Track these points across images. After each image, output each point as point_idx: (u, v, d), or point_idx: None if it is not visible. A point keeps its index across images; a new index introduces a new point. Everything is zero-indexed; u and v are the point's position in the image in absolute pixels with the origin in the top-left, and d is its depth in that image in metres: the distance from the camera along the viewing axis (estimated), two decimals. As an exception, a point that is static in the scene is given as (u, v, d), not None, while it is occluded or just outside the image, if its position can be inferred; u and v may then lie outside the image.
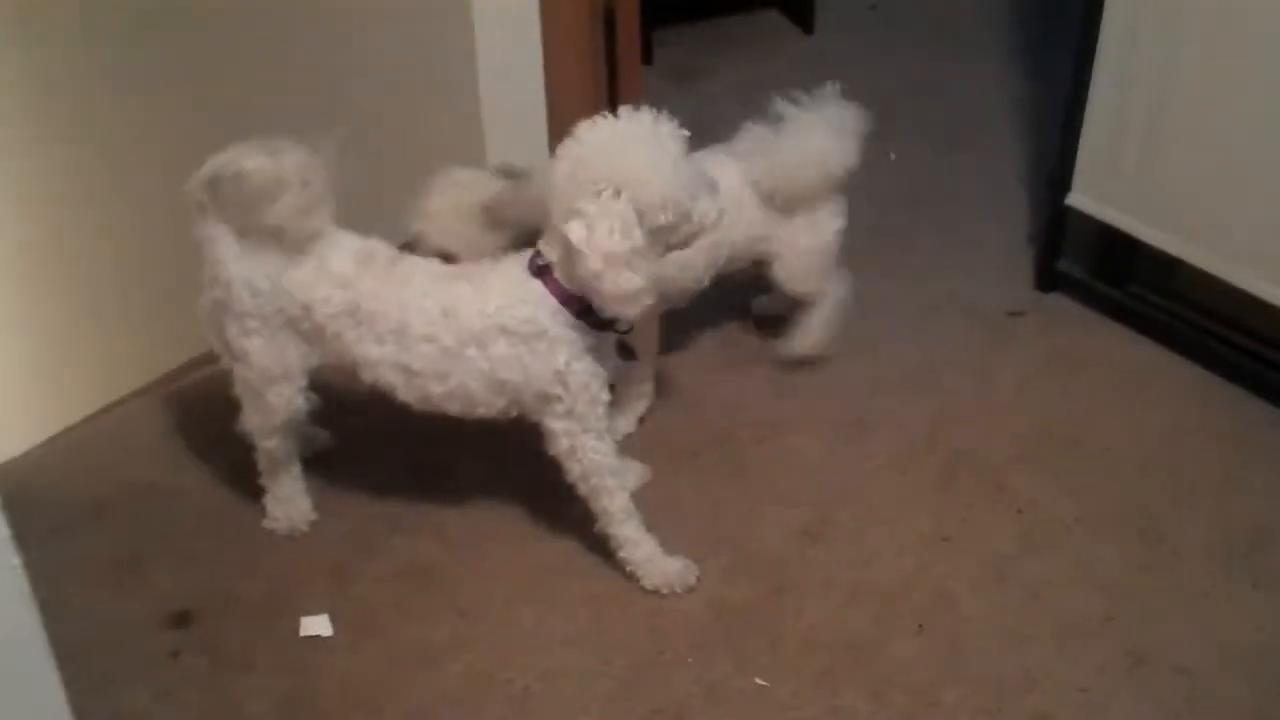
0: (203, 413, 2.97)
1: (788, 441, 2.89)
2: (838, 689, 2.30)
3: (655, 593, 2.49)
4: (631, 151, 2.19)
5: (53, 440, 2.93)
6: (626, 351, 2.67)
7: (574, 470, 2.43)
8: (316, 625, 2.46)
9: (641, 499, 2.52)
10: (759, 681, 2.32)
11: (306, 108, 2.95)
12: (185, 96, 2.82)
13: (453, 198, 2.54)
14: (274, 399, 2.46)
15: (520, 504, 2.71)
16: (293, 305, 2.35)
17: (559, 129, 3.21)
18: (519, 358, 2.30)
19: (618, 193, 2.14)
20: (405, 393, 2.39)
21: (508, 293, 2.28)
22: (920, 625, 2.43)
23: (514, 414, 2.41)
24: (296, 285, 2.34)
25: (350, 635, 2.44)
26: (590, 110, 2.61)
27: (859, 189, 3.64)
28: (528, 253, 2.32)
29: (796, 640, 2.39)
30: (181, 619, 2.49)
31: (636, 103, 2.27)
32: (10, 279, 2.72)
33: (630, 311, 2.23)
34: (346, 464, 2.82)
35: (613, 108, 2.27)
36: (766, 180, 2.86)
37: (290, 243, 2.32)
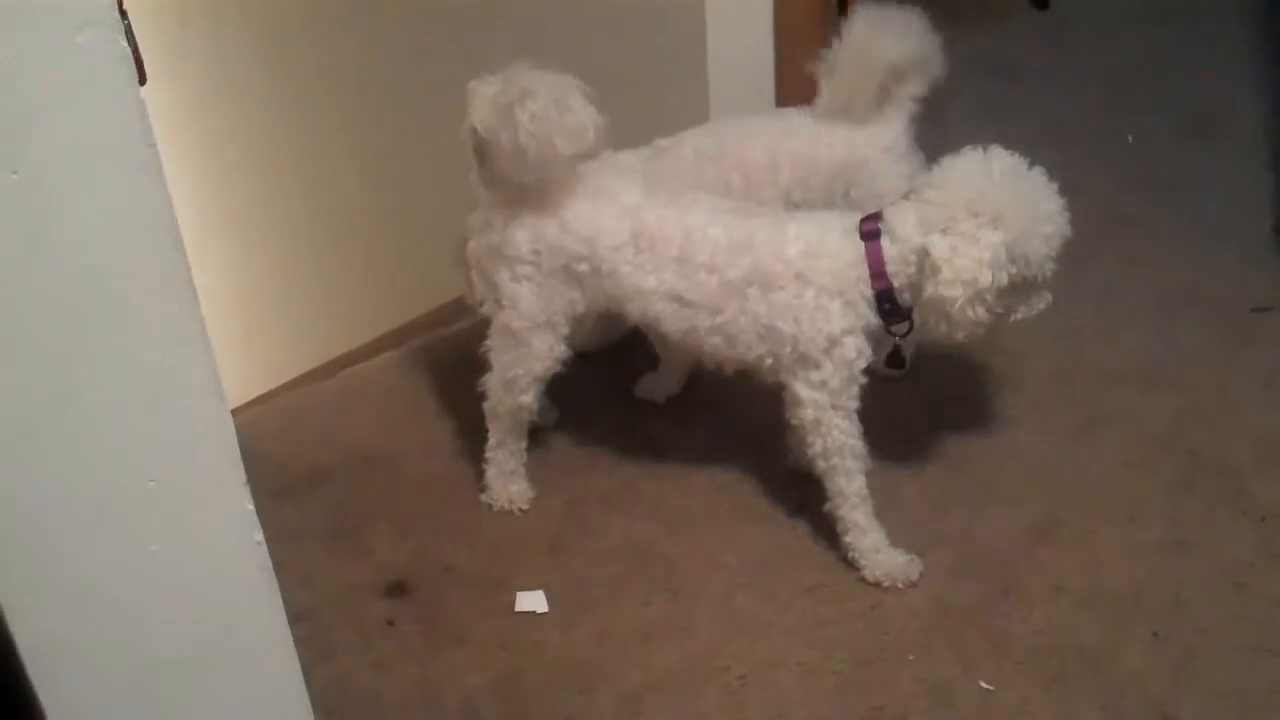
0: (422, 379, 3.00)
1: (1014, 436, 2.78)
2: (1068, 697, 2.20)
3: (876, 586, 2.41)
4: (1027, 194, 2.18)
5: (273, 400, 2.98)
6: (896, 360, 2.59)
7: (816, 445, 2.37)
8: (531, 601, 2.45)
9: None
10: (984, 685, 2.23)
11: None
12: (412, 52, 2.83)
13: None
14: (539, 344, 2.46)
15: (738, 486, 2.67)
16: (577, 243, 2.36)
17: (786, 86, 3.18)
18: (800, 308, 2.27)
19: (995, 225, 2.12)
20: (671, 324, 2.38)
21: (816, 243, 2.26)
22: (1155, 633, 2.30)
23: (767, 366, 2.37)
24: (583, 221, 2.35)
25: (565, 613, 2.43)
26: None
27: (1095, 171, 3.54)
28: (849, 212, 2.31)
29: (1024, 644, 2.30)
30: (398, 588, 2.50)
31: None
32: (231, 232, 2.75)
33: (955, 338, 2.25)
34: (565, 438, 2.81)
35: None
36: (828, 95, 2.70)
37: (564, 166, 2.31)
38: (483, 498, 2.66)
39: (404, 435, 2.86)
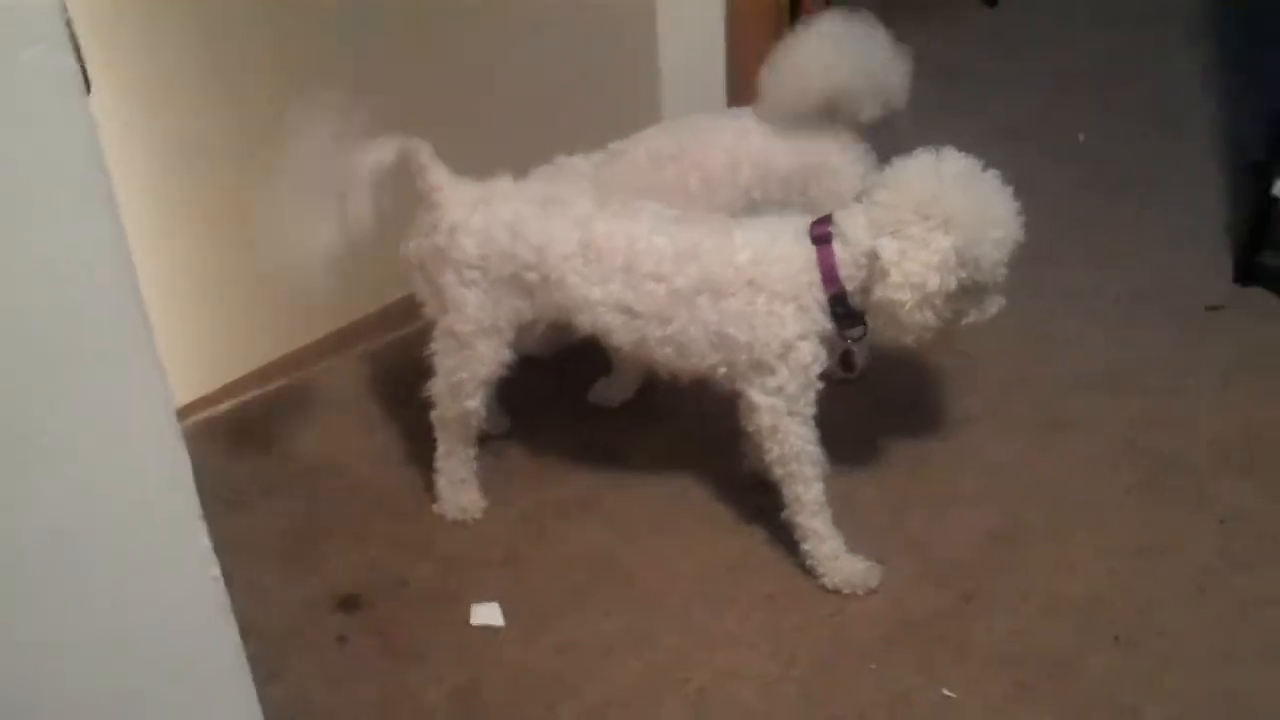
0: (371, 384, 2.94)
1: (973, 439, 2.77)
2: (1032, 704, 2.18)
3: (836, 593, 2.39)
4: (978, 198, 2.16)
5: (220, 404, 2.91)
6: (848, 364, 2.57)
7: (772, 451, 2.34)
8: (487, 614, 2.40)
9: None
10: (947, 693, 2.20)
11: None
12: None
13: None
14: (484, 349, 2.41)
15: (694, 493, 2.63)
16: (527, 251, 2.31)
17: (738, 86, 3.12)
18: (753, 315, 2.23)
19: (946, 229, 2.10)
20: (621, 336, 2.34)
21: (765, 248, 2.23)
22: (1119, 638, 2.29)
23: (721, 374, 2.33)
24: (534, 229, 2.31)
25: (523, 626, 2.38)
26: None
27: (1047, 171, 3.52)
28: (799, 216, 2.27)
29: (987, 651, 2.27)
30: (350, 603, 2.45)
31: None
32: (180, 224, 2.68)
33: (904, 341, 2.23)
34: (517, 446, 2.77)
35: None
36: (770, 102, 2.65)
37: None
38: (435, 508, 2.61)
39: (354, 443, 2.81)
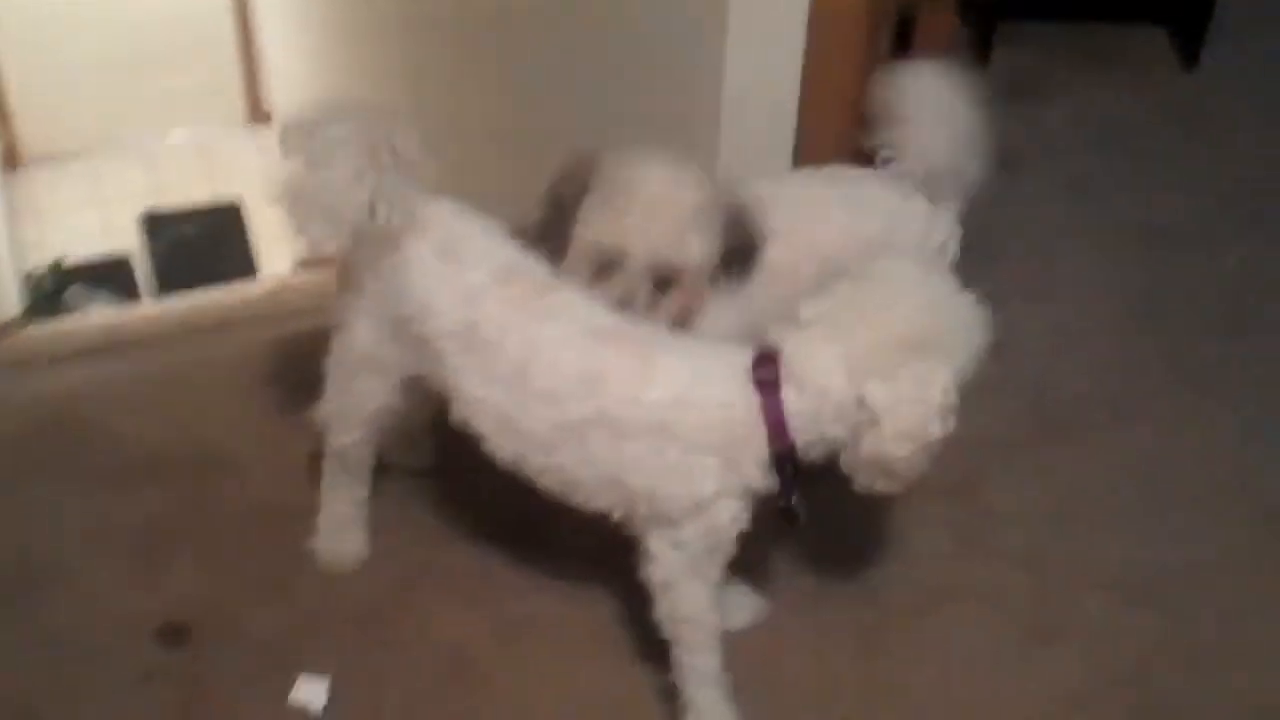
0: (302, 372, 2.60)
1: (955, 615, 2.30)
2: None
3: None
4: (964, 313, 1.79)
5: (146, 372, 2.64)
6: (789, 518, 1.96)
7: (663, 607, 1.94)
8: (310, 692, 2.07)
9: (739, 644, 2.04)
10: None
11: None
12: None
13: None
14: (366, 384, 2.06)
15: (603, 604, 2.23)
16: (409, 303, 1.92)
17: (809, 149, 2.67)
18: (660, 466, 1.82)
19: (944, 361, 1.73)
20: (497, 447, 1.93)
21: (687, 387, 1.80)
22: None
23: (616, 516, 1.92)
24: (420, 283, 1.91)
25: (344, 713, 2.05)
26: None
27: (1175, 297, 2.98)
28: (741, 350, 1.82)
29: None
30: (176, 632, 2.16)
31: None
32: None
33: (892, 491, 1.82)
34: (432, 490, 2.40)
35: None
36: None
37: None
38: (310, 545, 2.27)
39: (259, 441, 2.48)
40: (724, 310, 2.11)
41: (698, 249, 1.97)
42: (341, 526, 2.25)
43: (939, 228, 2.27)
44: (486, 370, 1.87)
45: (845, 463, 1.80)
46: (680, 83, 2.70)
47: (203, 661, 2.11)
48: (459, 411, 1.93)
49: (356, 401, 2.09)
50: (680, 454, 1.80)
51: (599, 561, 2.19)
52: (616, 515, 1.91)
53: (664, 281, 1.98)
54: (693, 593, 1.90)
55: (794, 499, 1.88)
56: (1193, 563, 2.40)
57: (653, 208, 1.95)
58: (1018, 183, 3.30)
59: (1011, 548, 2.42)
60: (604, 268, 1.97)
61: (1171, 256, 3.11)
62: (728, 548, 1.88)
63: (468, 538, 2.32)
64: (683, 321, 2.03)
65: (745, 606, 2.18)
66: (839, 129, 2.65)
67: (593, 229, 1.97)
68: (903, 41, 2.78)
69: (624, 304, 1.95)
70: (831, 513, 2.15)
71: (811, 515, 1.89)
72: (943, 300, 1.78)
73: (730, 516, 1.84)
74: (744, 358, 1.80)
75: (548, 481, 1.92)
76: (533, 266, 1.93)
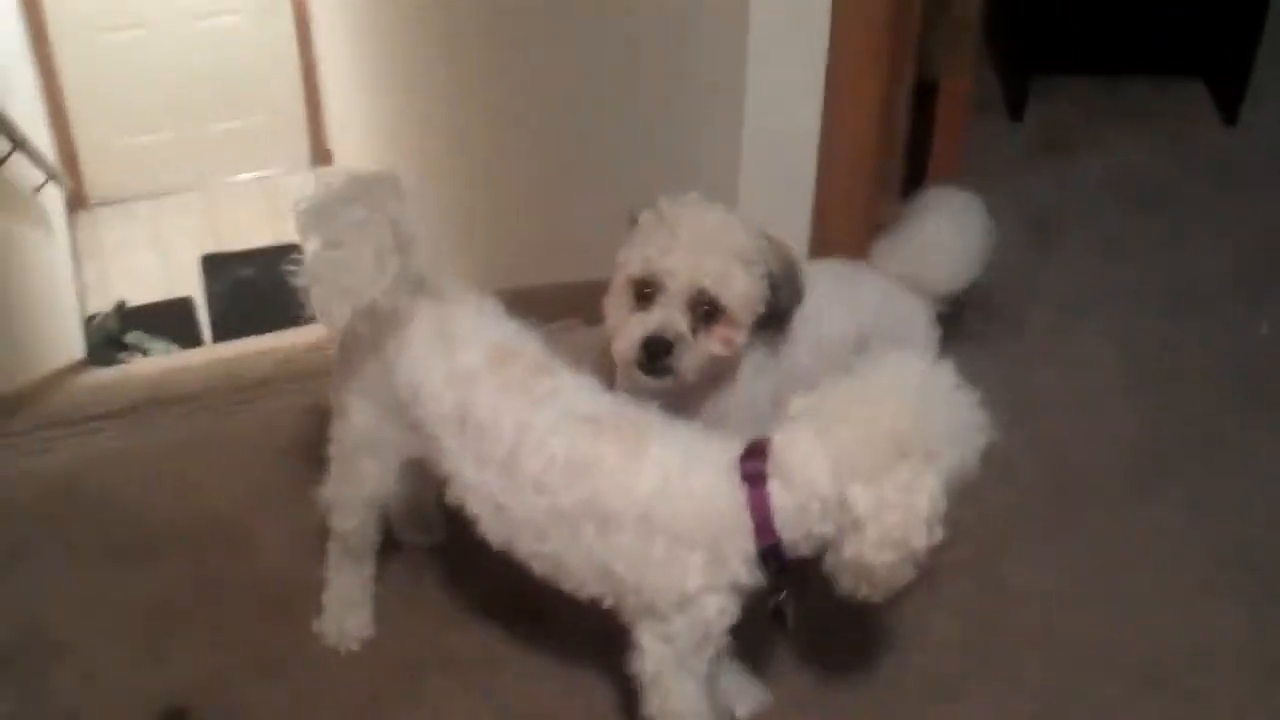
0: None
1: (969, 700, 2.24)
2: None
3: None
4: (958, 413, 1.73)
5: (167, 439, 2.66)
6: (780, 618, 1.94)
7: (652, 703, 1.92)
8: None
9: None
10: None
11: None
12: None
13: None
14: (366, 468, 2.06)
15: (601, 699, 2.18)
16: (404, 390, 1.93)
17: (826, 228, 2.67)
18: (646, 558, 1.80)
19: (930, 464, 1.68)
20: (490, 531, 1.93)
21: (677, 479, 1.78)
22: None
23: (606, 604, 1.90)
24: (412, 367, 1.92)
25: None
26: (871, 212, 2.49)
27: (1204, 367, 2.90)
28: (733, 442, 1.81)
29: None
30: (175, 717, 2.15)
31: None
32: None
33: (873, 599, 1.78)
34: (439, 566, 2.38)
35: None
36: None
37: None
38: (315, 624, 2.27)
39: (272, 512, 2.47)
40: (760, 371, 2.13)
41: (742, 285, 1.96)
42: (346, 606, 2.24)
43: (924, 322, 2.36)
44: (479, 455, 1.87)
45: (828, 565, 1.77)
46: (700, 138, 2.72)
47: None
48: (454, 494, 1.93)
49: (358, 485, 2.09)
50: (666, 547, 1.78)
51: (602, 645, 2.12)
52: (607, 603, 1.89)
53: (706, 315, 1.97)
54: (681, 687, 1.88)
55: (783, 598, 1.87)
56: (1208, 645, 2.34)
57: (699, 240, 1.95)
58: (1049, 243, 3.25)
59: (1027, 626, 2.38)
60: (643, 297, 1.98)
61: (1202, 322, 3.05)
62: (717, 641, 1.86)
63: (474, 617, 2.30)
64: (721, 363, 2.03)
65: (747, 695, 2.14)
66: (857, 190, 2.66)
67: (636, 259, 1.97)
68: (923, 107, 2.75)
69: (661, 333, 1.95)
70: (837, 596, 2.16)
71: (815, 602, 1.85)
72: (938, 400, 1.73)
73: (717, 610, 1.81)
74: (734, 449, 1.78)
75: (540, 567, 1.91)
76: (527, 347, 1.93)
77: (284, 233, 7.73)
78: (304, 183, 8.11)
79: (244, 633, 2.29)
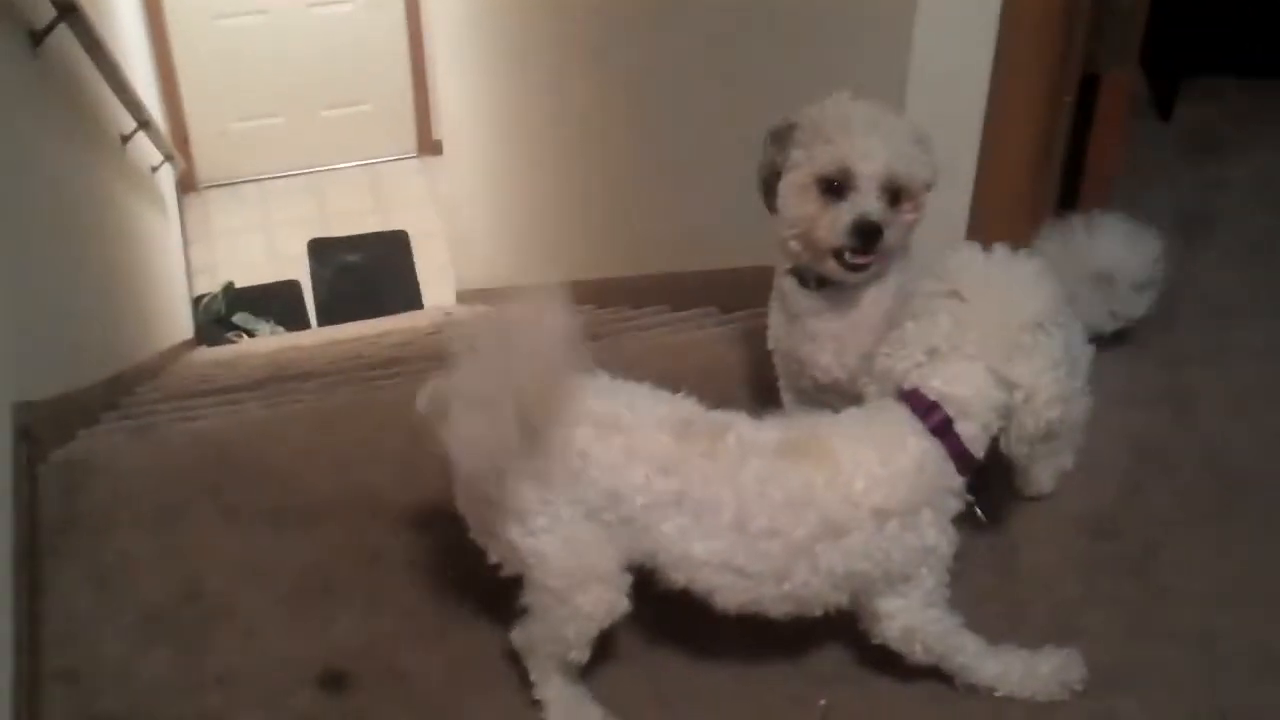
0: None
1: (1125, 698, 2.17)
2: None
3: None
4: (1038, 283, 1.94)
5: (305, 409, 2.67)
6: (985, 511, 2.06)
7: (915, 651, 2.02)
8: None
9: None
10: None
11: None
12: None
13: None
14: (586, 602, 1.91)
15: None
16: (595, 493, 1.86)
17: (986, 223, 2.64)
18: (888, 543, 1.90)
19: (1051, 331, 1.90)
20: (728, 597, 1.92)
21: (882, 467, 1.89)
22: None
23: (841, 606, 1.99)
24: (602, 469, 1.85)
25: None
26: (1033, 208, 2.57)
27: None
28: (895, 407, 1.93)
29: None
30: (336, 680, 2.15)
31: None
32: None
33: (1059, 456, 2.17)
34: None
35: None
36: None
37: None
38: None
39: (419, 484, 2.41)
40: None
41: (923, 166, 2.09)
42: (574, 708, 2.08)
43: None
44: (706, 529, 1.86)
45: (1005, 444, 1.94)
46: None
47: (363, 710, 2.12)
48: (677, 577, 1.92)
49: (585, 619, 1.93)
50: (900, 524, 1.89)
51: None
52: (844, 603, 1.97)
53: (893, 198, 2.07)
54: (933, 619, 1.99)
55: (979, 498, 2.01)
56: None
57: (876, 128, 2.05)
58: (1197, 244, 3.20)
59: (1184, 625, 2.34)
60: (833, 191, 2.06)
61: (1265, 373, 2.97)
62: (950, 565, 1.98)
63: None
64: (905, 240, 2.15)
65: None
66: (1018, 184, 2.64)
67: (823, 155, 2.05)
68: (1086, 100, 2.72)
69: (860, 223, 2.04)
70: (1000, 595, 2.19)
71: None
72: (1039, 279, 1.92)
73: (949, 543, 1.95)
74: (906, 417, 1.91)
75: (784, 609, 1.95)
76: (696, 411, 1.94)
77: (388, 220, 7.83)
78: (412, 171, 8.15)
79: (402, 602, 2.29)
